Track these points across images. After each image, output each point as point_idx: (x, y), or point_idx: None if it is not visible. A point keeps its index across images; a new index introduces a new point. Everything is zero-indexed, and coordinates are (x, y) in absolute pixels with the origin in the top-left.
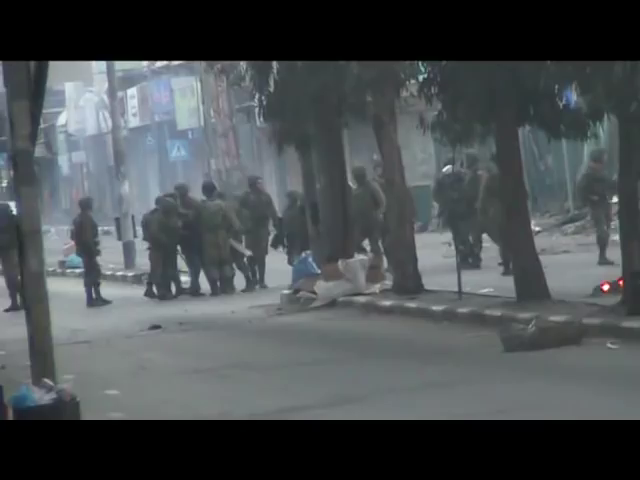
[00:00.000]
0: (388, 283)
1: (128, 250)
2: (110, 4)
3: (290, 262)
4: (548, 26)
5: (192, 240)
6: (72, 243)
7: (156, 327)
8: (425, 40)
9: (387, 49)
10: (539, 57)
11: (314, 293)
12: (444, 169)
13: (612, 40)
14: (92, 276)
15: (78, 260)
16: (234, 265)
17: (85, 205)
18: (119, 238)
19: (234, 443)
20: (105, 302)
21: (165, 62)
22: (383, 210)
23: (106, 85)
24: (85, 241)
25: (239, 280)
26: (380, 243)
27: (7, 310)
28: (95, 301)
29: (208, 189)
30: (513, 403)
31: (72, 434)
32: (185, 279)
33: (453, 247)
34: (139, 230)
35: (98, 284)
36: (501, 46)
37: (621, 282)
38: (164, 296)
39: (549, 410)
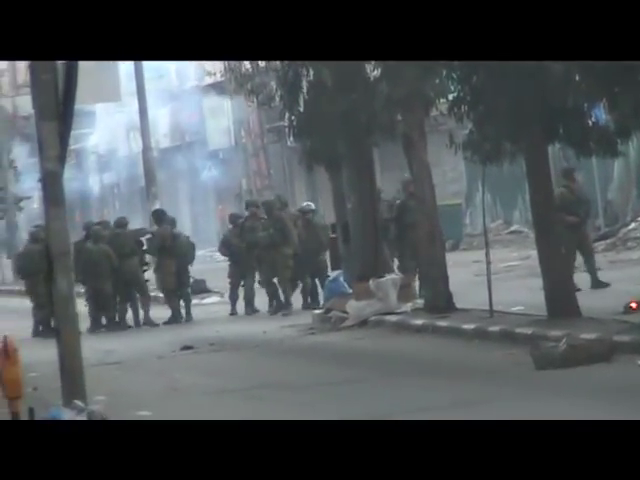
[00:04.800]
0: (419, 302)
1: None
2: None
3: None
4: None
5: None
6: None
7: (188, 348)
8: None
9: (398, 49)
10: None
11: (345, 313)
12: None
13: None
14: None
15: None
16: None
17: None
18: None
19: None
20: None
21: (195, 82)
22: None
23: (137, 106)
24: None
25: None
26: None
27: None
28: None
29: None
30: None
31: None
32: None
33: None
34: None
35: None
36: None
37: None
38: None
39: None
